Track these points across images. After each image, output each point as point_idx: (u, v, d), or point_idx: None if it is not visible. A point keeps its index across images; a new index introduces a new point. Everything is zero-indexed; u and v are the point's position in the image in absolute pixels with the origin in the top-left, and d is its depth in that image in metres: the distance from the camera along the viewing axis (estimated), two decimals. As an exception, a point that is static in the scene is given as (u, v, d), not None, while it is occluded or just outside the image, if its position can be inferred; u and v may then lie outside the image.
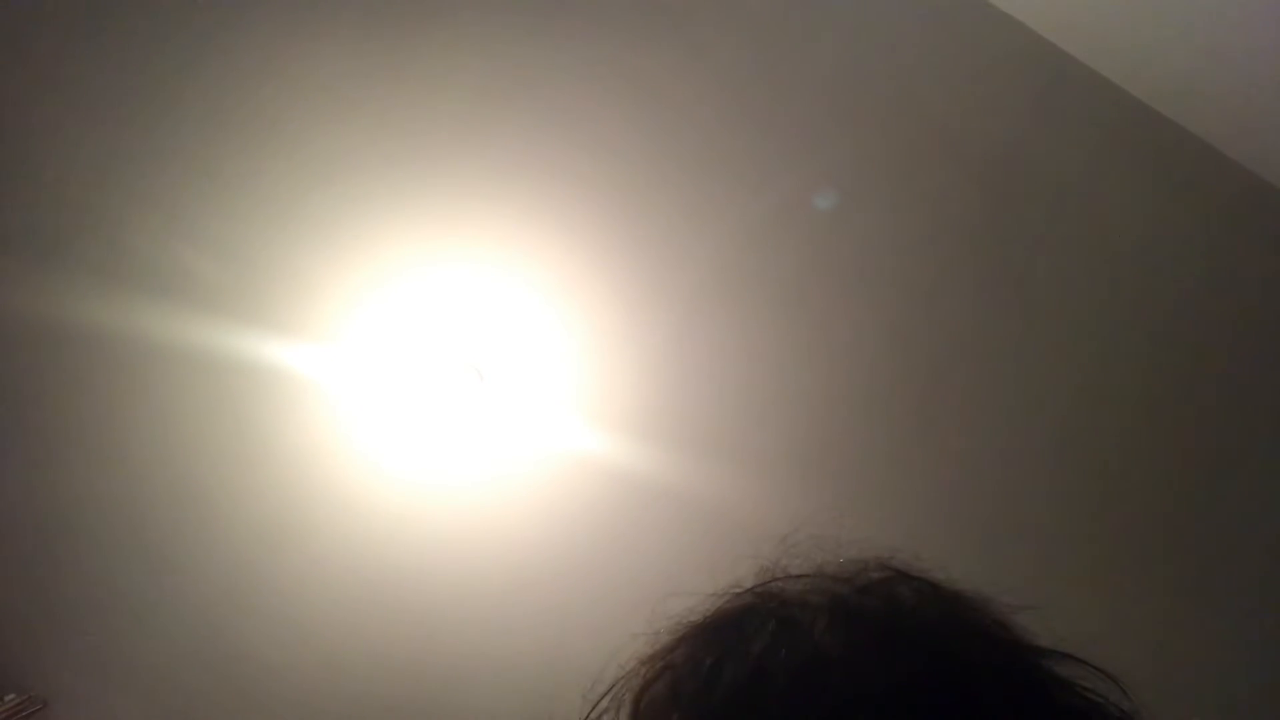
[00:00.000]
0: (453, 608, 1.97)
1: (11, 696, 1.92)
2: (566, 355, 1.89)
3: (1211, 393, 1.88)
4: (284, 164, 1.84)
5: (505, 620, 1.97)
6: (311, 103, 1.82)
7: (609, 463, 1.90)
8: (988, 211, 1.83)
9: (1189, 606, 1.88)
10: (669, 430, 1.90)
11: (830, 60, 1.79)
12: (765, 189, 1.84)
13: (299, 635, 1.98)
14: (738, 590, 0.45)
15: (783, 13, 1.77)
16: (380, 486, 1.94)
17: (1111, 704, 0.38)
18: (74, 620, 2.00)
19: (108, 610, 1.99)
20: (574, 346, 1.89)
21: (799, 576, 0.44)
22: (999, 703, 0.36)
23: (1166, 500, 1.88)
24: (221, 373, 1.89)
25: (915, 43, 1.78)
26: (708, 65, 1.80)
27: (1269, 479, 1.88)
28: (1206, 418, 1.89)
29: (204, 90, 1.82)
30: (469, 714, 1.99)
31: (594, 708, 0.43)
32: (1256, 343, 1.86)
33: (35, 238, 1.88)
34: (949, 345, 1.88)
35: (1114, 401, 1.88)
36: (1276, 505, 1.88)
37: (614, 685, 0.43)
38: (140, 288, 1.88)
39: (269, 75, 1.81)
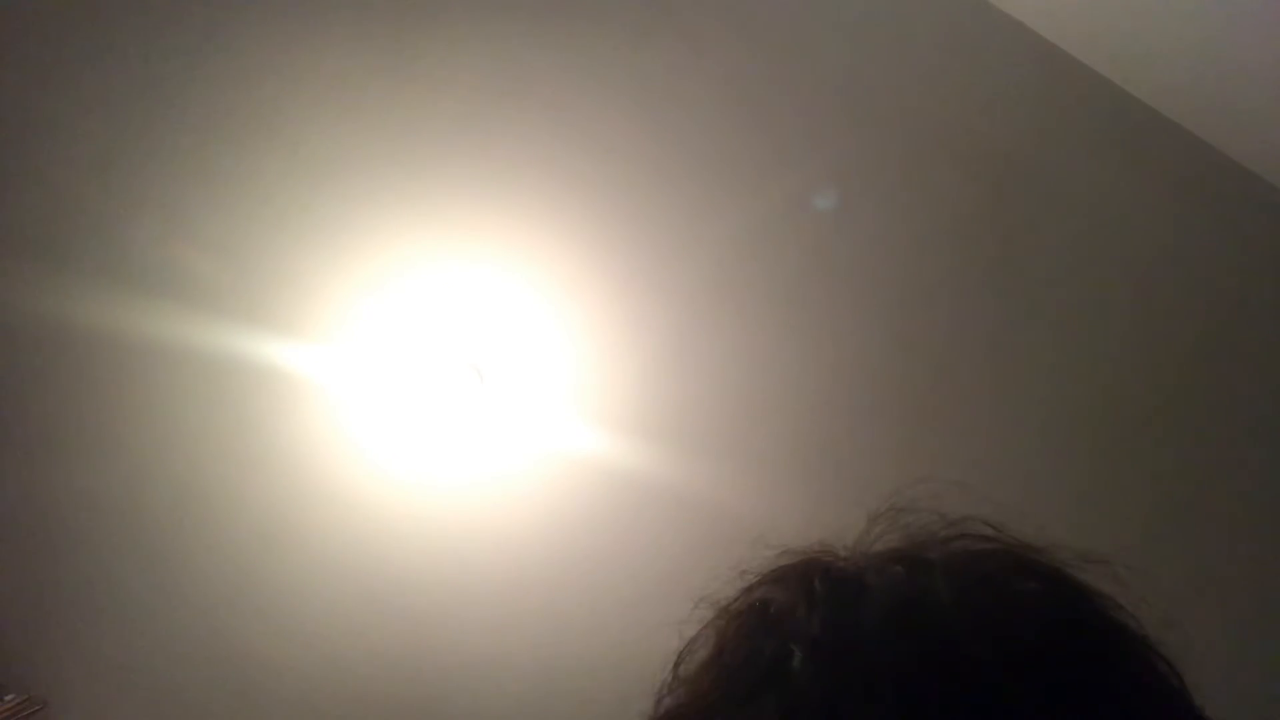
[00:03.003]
0: (452, 607, 1.97)
1: (11, 696, 1.91)
2: (566, 355, 1.89)
3: (1212, 392, 1.88)
4: (284, 164, 1.84)
5: (505, 619, 1.97)
6: (311, 102, 1.82)
7: (609, 463, 1.90)
8: (988, 212, 1.83)
9: (1192, 609, 1.87)
10: (669, 430, 1.90)
11: (832, 61, 1.79)
12: (766, 189, 1.84)
13: (299, 635, 1.98)
14: (822, 547, 0.44)
15: (784, 14, 1.77)
16: (380, 486, 1.94)
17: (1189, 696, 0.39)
18: (74, 620, 1.99)
19: (108, 610, 1.98)
20: (574, 346, 1.89)
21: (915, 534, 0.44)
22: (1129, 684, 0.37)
23: (1169, 499, 1.88)
24: (221, 373, 1.89)
25: (916, 44, 1.78)
26: (708, 65, 1.80)
27: (1267, 482, 1.88)
28: (1207, 417, 1.89)
29: (204, 90, 1.82)
30: (468, 713, 1.99)
31: (686, 646, 0.41)
32: (1256, 342, 1.86)
33: (35, 238, 1.88)
34: (949, 345, 1.88)
35: (1115, 401, 1.88)
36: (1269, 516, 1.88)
37: (701, 631, 0.42)
38: (140, 288, 1.88)
39: (268, 75, 1.81)
